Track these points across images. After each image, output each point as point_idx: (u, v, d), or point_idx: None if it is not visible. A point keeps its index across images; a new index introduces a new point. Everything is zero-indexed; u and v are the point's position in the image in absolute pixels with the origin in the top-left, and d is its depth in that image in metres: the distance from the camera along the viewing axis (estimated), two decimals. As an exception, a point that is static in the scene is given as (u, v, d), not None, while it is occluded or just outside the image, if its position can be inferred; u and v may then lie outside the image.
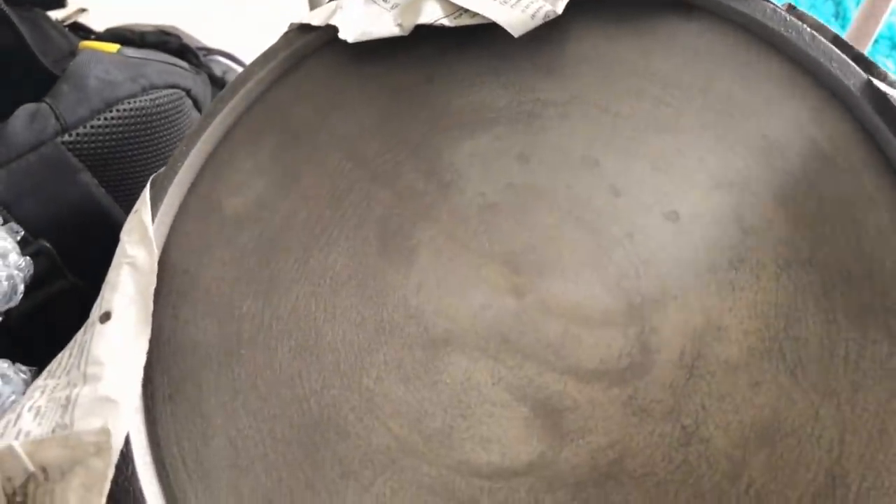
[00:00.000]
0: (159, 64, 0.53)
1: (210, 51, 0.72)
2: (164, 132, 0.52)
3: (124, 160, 0.49)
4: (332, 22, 0.36)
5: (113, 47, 0.52)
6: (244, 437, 0.32)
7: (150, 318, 0.32)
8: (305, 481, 0.31)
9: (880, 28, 0.84)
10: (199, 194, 0.36)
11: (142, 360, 0.32)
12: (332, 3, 0.38)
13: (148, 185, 0.35)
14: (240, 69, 0.69)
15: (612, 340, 0.31)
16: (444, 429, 0.31)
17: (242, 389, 0.33)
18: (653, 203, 0.33)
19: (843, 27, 1.15)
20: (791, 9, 0.34)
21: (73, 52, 0.53)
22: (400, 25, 0.36)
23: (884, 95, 0.32)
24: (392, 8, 0.37)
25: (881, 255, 0.31)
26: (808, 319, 0.31)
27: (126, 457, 0.31)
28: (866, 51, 0.87)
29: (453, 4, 0.35)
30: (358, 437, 0.31)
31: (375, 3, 0.37)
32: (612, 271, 0.32)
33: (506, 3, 0.34)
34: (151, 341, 0.33)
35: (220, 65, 0.71)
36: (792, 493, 0.29)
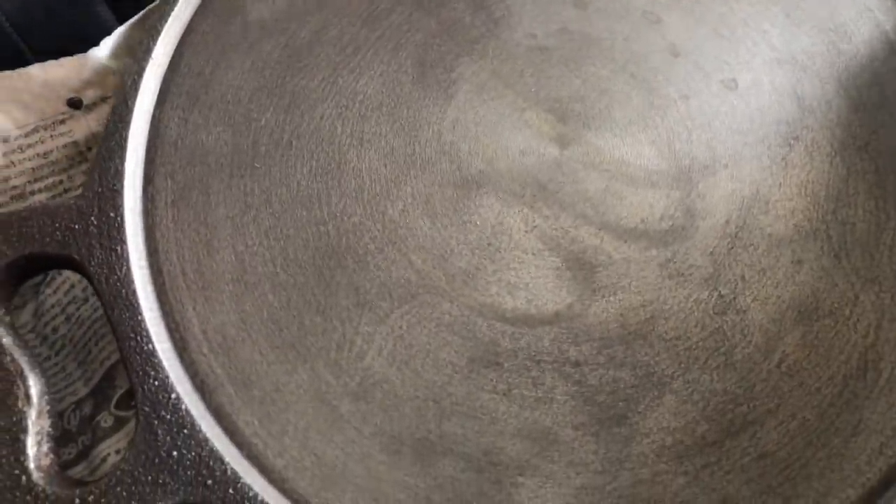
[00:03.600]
0: None
1: None
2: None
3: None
4: None
5: None
6: (252, 254, 0.29)
7: None
8: (317, 306, 0.29)
9: None
10: (223, -5, 0.33)
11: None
12: None
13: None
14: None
15: (655, 201, 0.30)
16: (470, 269, 0.29)
17: (254, 205, 0.30)
18: (712, 69, 0.31)
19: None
20: None
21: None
22: None
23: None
24: None
25: (939, 149, 0.30)
26: (858, 205, 0.30)
27: (121, 258, 0.28)
28: None
29: None
30: (377, 267, 0.29)
31: None
32: (663, 132, 0.31)
33: None
34: (154, 142, 0.31)
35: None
36: (824, 372, 0.28)
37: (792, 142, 0.30)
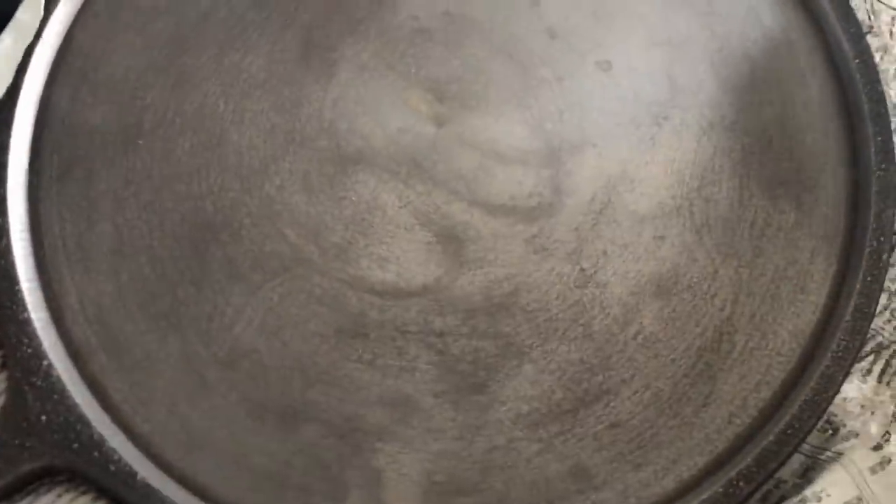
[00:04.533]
0: None
1: None
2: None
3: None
4: None
5: None
6: (131, 227, 0.30)
7: (11, 75, 0.30)
8: (191, 278, 0.30)
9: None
10: (115, -23, 0.34)
11: None
12: None
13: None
14: None
15: (524, 178, 0.31)
16: (342, 243, 0.30)
17: (135, 180, 0.31)
18: (587, 50, 0.32)
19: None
20: None
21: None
22: None
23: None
24: None
25: (803, 129, 0.31)
26: (723, 183, 0.31)
27: (2, 229, 0.29)
28: None
29: None
30: (251, 241, 0.30)
31: None
32: (536, 112, 0.32)
33: None
34: (42, 120, 0.31)
35: None
36: (679, 344, 0.29)
37: (661, 121, 0.31)
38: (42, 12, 0.31)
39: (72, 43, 0.33)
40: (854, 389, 0.29)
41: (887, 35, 0.30)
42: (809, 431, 0.27)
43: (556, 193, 0.31)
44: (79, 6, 0.33)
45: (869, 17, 0.31)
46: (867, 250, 0.29)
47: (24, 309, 0.28)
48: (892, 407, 0.29)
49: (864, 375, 0.29)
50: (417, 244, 0.30)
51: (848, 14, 0.31)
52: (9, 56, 0.30)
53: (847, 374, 0.28)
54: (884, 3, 0.30)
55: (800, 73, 0.32)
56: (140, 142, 0.31)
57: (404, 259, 0.30)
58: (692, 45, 0.32)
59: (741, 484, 0.26)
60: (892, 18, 0.30)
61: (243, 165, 0.31)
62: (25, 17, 0.31)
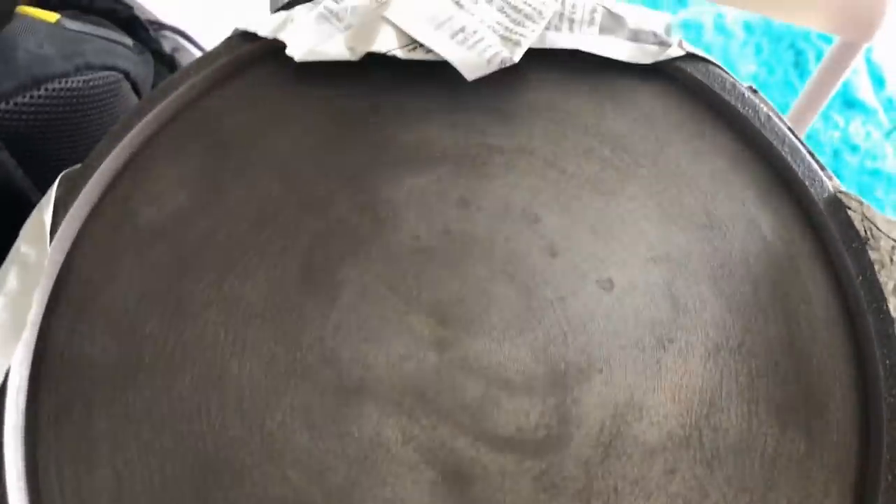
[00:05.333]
0: (99, 41, 0.50)
1: (162, 25, 0.68)
2: (97, 116, 0.49)
3: (49, 143, 0.46)
4: (281, 37, 0.34)
5: (52, 16, 0.48)
6: (132, 470, 0.30)
7: (25, 321, 0.30)
8: (191, 526, 0.29)
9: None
10: (114, 199, 0.34)
11: (5, 365, 0.29)
12: (282, 12, 0.36)
13: (56, 183, 0.33)
14: (191, 47, 0.66)
15: (531, 408, 0.30)
16: (346, 485, 0.29)
17: (135, 418, 0.30)
18: (588, 269, 0.32)
19: (801, 77, 1.18)
20: (753, 91, 0.34)
21: (9, 15, 0.49)
22: (351, 49, 0.34)
23: (834, 195, 0.32)
24: (345, 28, 0.35)
25: (809, 350, 0.31)
26: (731, 410, 0.30)
27: (-3, 481, 0.29)
28: (822, 107, 0.88)
29: (409, 36, 0.33)
30: (254, 484, 0.29)
31: (329, 21, 0.35)
32: (540, 335, 0.31)
33: (463, 43, 0.33)
34: (41, 354, 0.31)
35: (170, 41, 0.67)
36: (694, 588, 0.28)
37: (666, 343, 0.31)
38: (48, 249, 0.31)
39: (70, 271, 0.33)
40: None
41: (887, 259, 0.30)
42: None
43: (564, 424, 0.30)
44: (77, 231, 0.33)
45: (865, 232, 0.31)
46: (882, 485, 0.28)
47: (21, 569, 0.28)
48: None
49: None
50: (422, 484, 0.29)
51: (848, 227, 0.31)
52: (16, 302, 0.30)
53: None
54: (883, 232, 0.30)
55: (803, 288, 0.32)
56: (140, 376, 0.31)
57: (409, 501, 0.29)
58: (693, 261, 0.32)
59: None
60: (893, 248, 0.30)
61: (244, 400, 0.31)
62: (30, 252, 0.31)
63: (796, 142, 0.33)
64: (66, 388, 0.31)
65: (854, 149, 1.11)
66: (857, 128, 1.12)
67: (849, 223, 0.32)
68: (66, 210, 0.33)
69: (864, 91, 1.16)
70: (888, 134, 1.12)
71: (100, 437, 0.30)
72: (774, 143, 0.33)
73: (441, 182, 0.33)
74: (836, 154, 1.11)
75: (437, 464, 0.30)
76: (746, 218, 0.33)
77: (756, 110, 0.33)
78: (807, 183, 0.32)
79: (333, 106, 0.35)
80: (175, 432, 0.30)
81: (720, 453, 0.30)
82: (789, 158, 0.33)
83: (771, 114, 0.33)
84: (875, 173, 1.10)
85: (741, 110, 0.34)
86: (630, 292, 0.32)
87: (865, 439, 0.30)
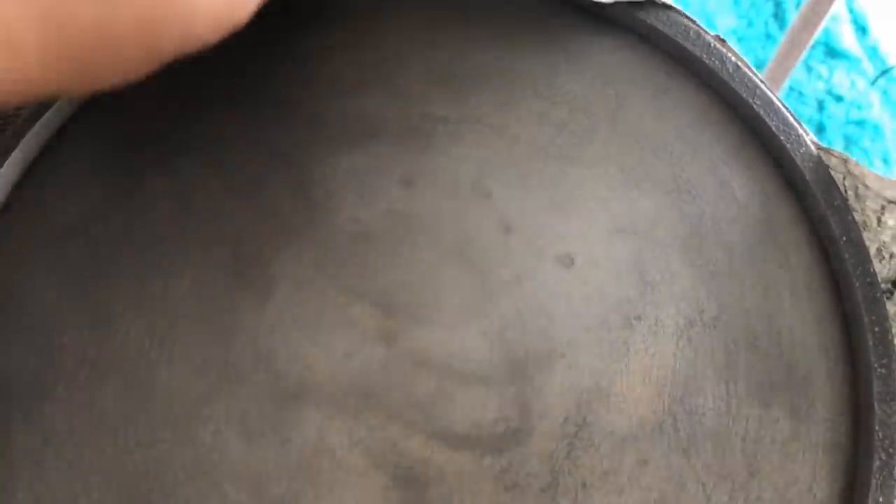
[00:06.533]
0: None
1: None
2: None
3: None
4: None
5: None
6: (53, 495, 0.27)
7: None
8: (120, 553, 0.26)
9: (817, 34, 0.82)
10: (24, 197, 0.31)
11: None
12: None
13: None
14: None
15: (488, 400, 0.28)
16: (288, 497, 0.27)
17: (56, 435, 0.28)
18: (546, 244, 0.29)
19: (781, 29, 1.14)
20: (720, 40, 0.30)
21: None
22: None
23: (812, 151, 0.29)
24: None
25: (791, 321, 0.28)
26: (707, 391, 0.27)
27: None
28: (803, 56, 0.85)
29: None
30: (187, 501, 0.27)
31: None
32: (495, 320, 0.28)
33: None
34: (-51, 373, 0.28)
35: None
36: (673, 590, 0.25)
37: (634, 322, 0.28)
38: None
39: (-21, 278, 0.30)
40: None
41: (874, 220, 0.27)
42: None
43: (525, 416, 0.27)
44: (-14, 233, 0.30)
45: (846, 191, 0.28)
46: (875, 464, 0.26)
47: None
48: None
49: None
50: (373, 491, 0.27)
51: (830, 185, 0.28)
52: None
53: None
54: (872, 190, 0.27)
55: (782, 253, 0.29)
56: (59, 389, 0.28)
57: (359, 510, 0.26)
58: (660, 231, 0.29)
59: None
60: (883, 207, 0.27)
61: (174, 410, 0.28)
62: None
63: (769, 94, 0.30)
64: (-23, 407, 0.28)
65: (839, 99, 1.08)
66: (841, 77, 1.09)
67: (829, 179, 0.29)
68: (-31, 211, 0.30)
69: (848, 39, 1.12)
70: (873, 82, 1.09)
71: (18, 459, 0.27)
72: (745, 95, 0.30)
73: (381, 158, 0.30)
74: (820, 105, 1.08)
75: (388, 467, 0.27)
76: (718, 180, 0.30)
77: (723, 61, 0.30)
78: (782, 138, 0.29)
79: (260, 79, 0.31)
80: (99, 449, 0.27)
81: (697, 439, 0.27)
82: (762, 112, 0.30)
83: (740, 64, 0.30)
84: (861, 123, 1.07)
85: (707, 61, 0.31)
86: (592, 268, 0.29)
87: (855, 416, 0.27)
